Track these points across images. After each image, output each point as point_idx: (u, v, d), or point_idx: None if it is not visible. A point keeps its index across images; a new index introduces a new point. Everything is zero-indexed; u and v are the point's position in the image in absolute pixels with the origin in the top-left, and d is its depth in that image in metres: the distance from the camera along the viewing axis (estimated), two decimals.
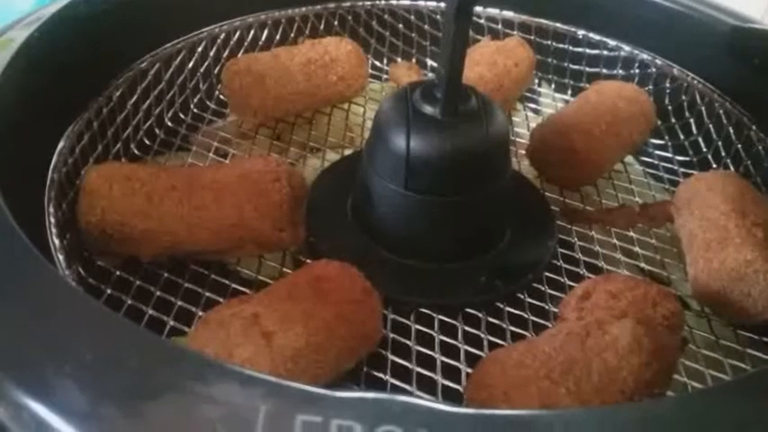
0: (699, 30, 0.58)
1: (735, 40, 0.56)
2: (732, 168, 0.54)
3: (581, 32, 0.63)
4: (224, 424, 0.24)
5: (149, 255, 0.43)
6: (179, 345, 0.33)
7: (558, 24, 0.64)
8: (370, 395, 0.25)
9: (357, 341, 0.37)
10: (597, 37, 0.63)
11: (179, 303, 0.42)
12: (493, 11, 0.66)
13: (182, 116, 0.58)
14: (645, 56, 0.60)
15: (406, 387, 0.38)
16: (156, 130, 0.56)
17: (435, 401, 0.30)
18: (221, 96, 0.61)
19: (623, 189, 0.56)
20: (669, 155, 0.59)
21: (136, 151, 0.54)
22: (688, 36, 0.59)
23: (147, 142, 0.55)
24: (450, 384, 0.39)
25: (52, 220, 0.40)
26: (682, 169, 0.57)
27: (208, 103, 0.61)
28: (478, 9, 0.66)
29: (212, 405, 0.25)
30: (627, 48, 0.61)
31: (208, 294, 0.43)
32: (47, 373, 0.27)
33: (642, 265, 0.49)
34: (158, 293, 0.42)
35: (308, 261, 0.45)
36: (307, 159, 0.58)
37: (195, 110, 0.60)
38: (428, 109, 0.43)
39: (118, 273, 0.43)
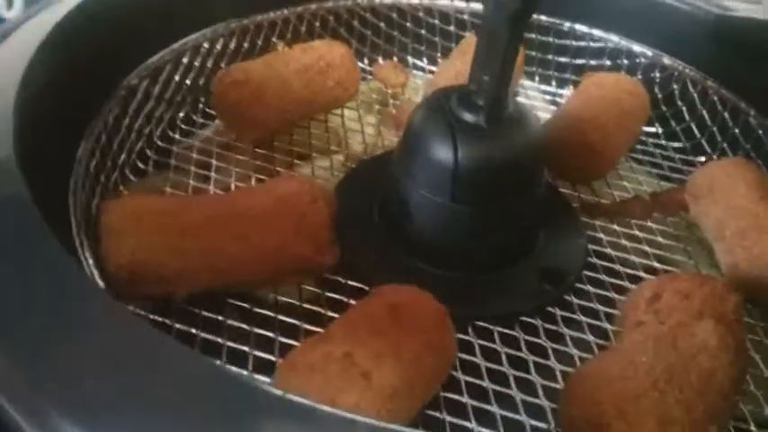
0: (686, 19, 0.60)
1: (720, 28, 0.58)
2: (730, 153, 0.56)
3: (567, 24, 0.64)
4: None
5: (185, 293, 0.40)
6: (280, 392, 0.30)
7: (543, 17, 0.64)
8: None
9: (442, 367, 0.36)
10: (583, 29, 0.63)
11: (228, 344, 0.39)
12: (476, 6, 0.65)
13: (170, 133, 0.54)
14: (633, 46, 0.61)
15: (487, 408, 0.37)
16: (148, 152, 0.52)
17: None
18: (206, 109, 0.57)
19: (628, 179, 0.57)
20: (663, 142, 0.60)
21: (131, 176, 0.50)
22: (676, 25, 0.60)
23: (140, 165, 0.51)
24: (529, 399, 0.38)
25: (90, 262, 0.36)
26: (677, 155, 0.59)
27: (193, 116, 0.57)
28: (461, 4, 0.65)
29: None
30: (614, 38, 0.62)
31: (256, 330, 0.40)
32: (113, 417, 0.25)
33: (667, 254, 0.50)
34: (202, 335, 0.39)
35: (348, 282, 0.43)
36: (307, 168, 0.55)
37: (182, 125, 0.56)
38: (469, 117, 0.42)
39: (151, 317, 0.40)
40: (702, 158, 0.58)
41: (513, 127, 0.42)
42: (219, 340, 0.39)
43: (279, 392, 0.27)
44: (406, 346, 0.34)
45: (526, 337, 0.42)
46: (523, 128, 0.43)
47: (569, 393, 0.35)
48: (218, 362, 0.38)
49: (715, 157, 0.57)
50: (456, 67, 0.58)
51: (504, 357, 0.40)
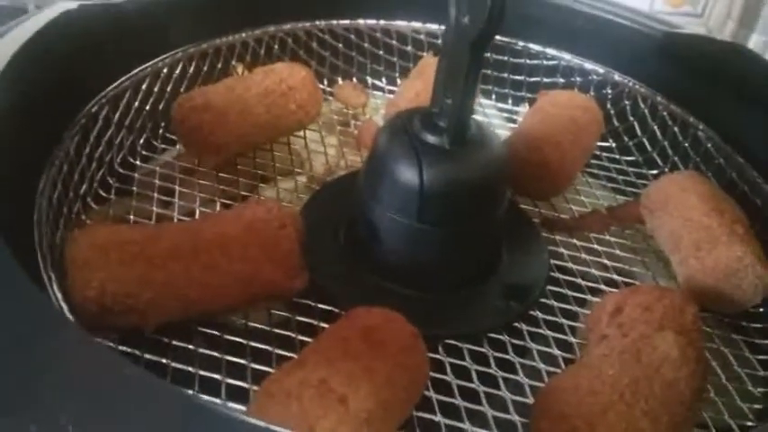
0: (635, 37, 0.62)
1: (667, 45, 0.60)
2: (681, 166, 0.58)
3: (521, 44, 0.65)
4: None
5: (154, 324, 0.40)
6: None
7: (498, 37, 0.66)
8: None
9: (415, 388, 0.36)
10: (537, 47, 0.65)
11: (200, 372, 0.39)
12: (432, 27, 0.66)
13: (131, 160, 0.54)
14: (585, 64, 0.63)
15: (460, 425, 0.38)
16: (109, 179, 0.51)
17: None
18: (166, 134, 0.57)
19: (585, 193, 0.58)
20: (616, 156, 0.62)
21: (93, 205, 0.49)
22: (625, 44, 0.62)
23: (102, 193, 0.50)
24: (500, 414, 0.39)
25: (59, 296, 0.36)
26: (631, 169, 0.61)
27: (153, 142, 0.56)
28: (417, 25, 0.66)
29: None
30: (567, 56, 0.64)
31: (227, 358, 0.40)
32: None
33: (625, 267, 0.52)
34: (173, 365, 0.39)
35: (317, 305, 0.44)
36: (269, 191, 0.56)
37: (143, 152, 0.55)
38: (433, 139, 0.43)
39: (121, 348, 0.39)
40: (655, 172, 0.60)
41: (476, 148, 0.43)
42: (191, 369, 0.39)
43: (260, 423, 0.27)
44: (379, 368, 0.34)
45: (495, 354, 0.42)
46: (486, 149, 0.44)
47: (540, 408, 0.36)
48: (191, 391, 0.37)
49: (667, 170, 0.59)
50: (416, 88, 0.59)
51: (474, 374, 0.41)
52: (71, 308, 0.37)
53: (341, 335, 0.36)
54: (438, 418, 0.38)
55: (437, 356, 0.42)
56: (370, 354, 0.35)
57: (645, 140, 0.61)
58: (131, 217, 0.49)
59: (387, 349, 0.35)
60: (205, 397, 0.37)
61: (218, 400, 0.37)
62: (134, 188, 0.51)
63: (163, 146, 0.57)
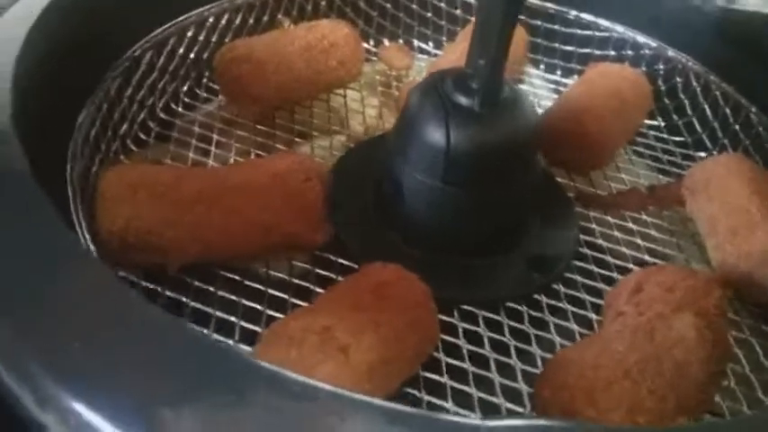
0: (693, 11, 0.59)
1: (725, 22, 0.57)
2: (730, 149, 0.56)
3: (573, 13, 0.63)
4: None
5: (177, 264, 0.41)
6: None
7: (549, 4, 0.64)
8: (520, 422, 0.24)
9: (422, 346, 0.36)
10: (590, 17, 0.63)
11: (216, 314, 0.40)
12: None
13: (173, 106, 0.55)
14: (638, 37, 0.61)
15: (465, 389, 0.38)
16: (150, 123, 0.52)
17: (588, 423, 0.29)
18: (210, 83, 0.58)
19: (626, 171, 0.57)
20: (664, 135, 0.60)
21: (132, 147, 0.50)
22: (682, 18, 0.60)
23: (142, 136, 0.51)
24: (507, 382, 0.39)
25: (84, 228, 0.37)
26: (678, 149, 0.59)
27: (197, 90, 0.57)
28: None
29: None
30: (619, 29, 0.62)
31: (245, 302, 0.40)
32: (99, 380, 0.26)
33: (659, 248, 0.50)
34: (192, 304, 0.40)
35: (338, 260, 0.44)
36: (306, 147, 0.56)
37: (186, 99, 0.56)
38: (464, 100, 0.42)
39: (143, 283, 0.40)
40: (703, 154, 0.58)
41: (507, 112, 0.43)
42: (209, 310, 0.40)
43: (254, 361, 0.27)
44: (386, 323, 0.34)
45: (510, 323, 0.42)
46: (517, 113, 0.43)
47: (544, 378, 0.35)
48: (206, 330, 0.39)
49: (715, 152, 0.57)
50: (458, 52, 0.57)
51: (486, 341, 0.41)
52: (95, 240, 0.38)
53: (352, 287, 0.37)
54: (444, 379, 0.38)
55: (451, 320, 0.42)
56: (378, 307, 0.35)
57: (694, 120, 0.59)
58: (168, 161, 0.50)
59: (396, 305, 0.35)
60: (217, 336, 0.38)
61: (230, 341, 0.38)
62: (173, 134, 0.53)
63: (206, 95, 0.58)
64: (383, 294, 0.36)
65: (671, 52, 0.60)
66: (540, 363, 0.40)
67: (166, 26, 0.53)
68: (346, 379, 0.32)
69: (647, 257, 0.49)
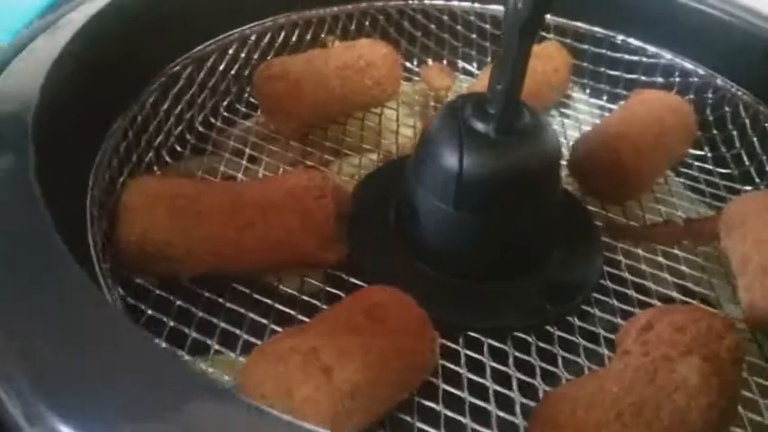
0: (744, 39, 0.57)
1: None
2: None
3: (620, 37, 0.62)
4: None
5: (190, 274, 0.42)
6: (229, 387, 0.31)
7: (597, 28, 0.62)
8: None
9: (412, 373, 0.36)
10: (637, 43, 0.61)
11: (222, 325, 0.41)
12: None
13: (212, 120, 0.57)
14: (687, 64, 0.59)
15: (460, 419, 0.37)
16: (188, 136, 0.54)
17: None
18: (251, 99, 0.59)
19: (664, 202, 0.55)
20: (709, 167, 0.58)
21: (167, 158, 0.52)
22: (732, 46, 0.57)
23: (178, 148, 0.53)
24: (505, 416, 0.38)
25: (98, 242, 0.39)
26: (723, 182, 0.56)
27: (237, 105, 0.59)
28: None
29: None
30: (668, 55, 0.60)
31: (251, 315, 0.41)
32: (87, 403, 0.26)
33: (689, 285, 0.48)
34: (200, 314, 0.41)
35: (350, 279, 0.44)
36: (337, 165, 0.57)
37: (225, 113, 0.58)
38: (480, 126, 0.42)
39: (157, 292, 0.42)
40: (749, 188, 0.55)
41: (524, 138, 0.42)
42: (215, 320, 0.41)
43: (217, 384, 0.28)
44: (374, 346, 0.34)
45: (516, 353, 0.41)
46: (535, 140, 0.42)
47: (537, 413, 0.34)
48: (209, 341, 0.40)
49: (762, 186, 0.54)
50: None
51: (488, 370, 0.40)
52: (109, 247, 0.40)
53: (347, 307, 0.37)
54: (440, 407, 0.38)
55: (454, 346, 0.41)
56: (368, 330, 0.35)
57: (742, 152, 0.56)
58: (200, 174, 0.52)
59: (387, 328, 0.35)
60: (220, 347, 0.39)
61: (232, 354, 0.39)
62: (208, 147, 0.54)
63: (246, 110, 0.59)
64: (375, 316, 0.36)
65: (720, 81, 0.57)
66: (541, 397, 0.39)
67: (207, 43, 0.55)
68: (326, 399, 0.32)
69: (674, 294, 0.47)
